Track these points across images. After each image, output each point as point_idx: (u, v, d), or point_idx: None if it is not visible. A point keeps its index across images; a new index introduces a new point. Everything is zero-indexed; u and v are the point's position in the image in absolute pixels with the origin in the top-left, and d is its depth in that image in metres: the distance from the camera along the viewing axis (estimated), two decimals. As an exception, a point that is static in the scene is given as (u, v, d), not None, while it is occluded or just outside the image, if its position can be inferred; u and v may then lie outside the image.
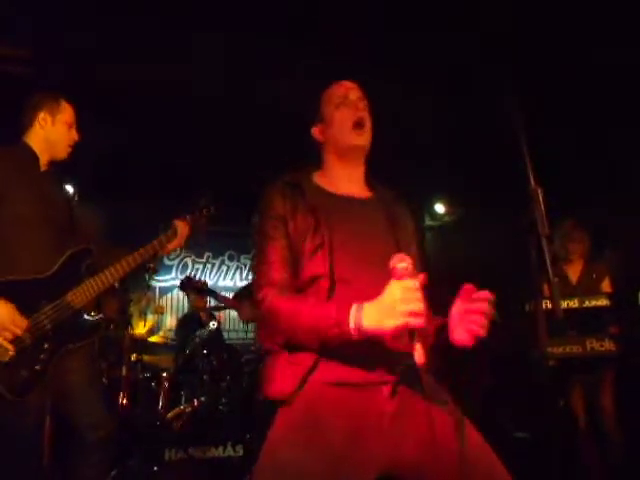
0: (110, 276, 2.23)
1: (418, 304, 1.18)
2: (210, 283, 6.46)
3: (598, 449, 3.23)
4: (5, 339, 1.95)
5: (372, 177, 1.66)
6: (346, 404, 1.31)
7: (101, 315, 2.26)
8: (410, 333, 1.19)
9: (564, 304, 3.11)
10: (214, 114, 4.30)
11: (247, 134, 4.34)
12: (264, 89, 3.95)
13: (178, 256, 6.95)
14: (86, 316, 2.21)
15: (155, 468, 3.05)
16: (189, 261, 7.03)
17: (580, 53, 3.61)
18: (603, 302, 3.09)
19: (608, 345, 2.98)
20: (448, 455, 1.26)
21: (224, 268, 7.11)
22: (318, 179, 1.59)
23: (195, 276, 5.40)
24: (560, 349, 3.00)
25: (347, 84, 1.62)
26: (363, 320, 1.22)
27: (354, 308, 1.24)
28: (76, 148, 2.36)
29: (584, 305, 3.10)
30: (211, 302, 4.91)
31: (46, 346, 2.06)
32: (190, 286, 4.24)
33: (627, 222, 4.19)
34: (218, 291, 4.75)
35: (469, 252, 5.69)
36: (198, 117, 4.39)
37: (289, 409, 1.33)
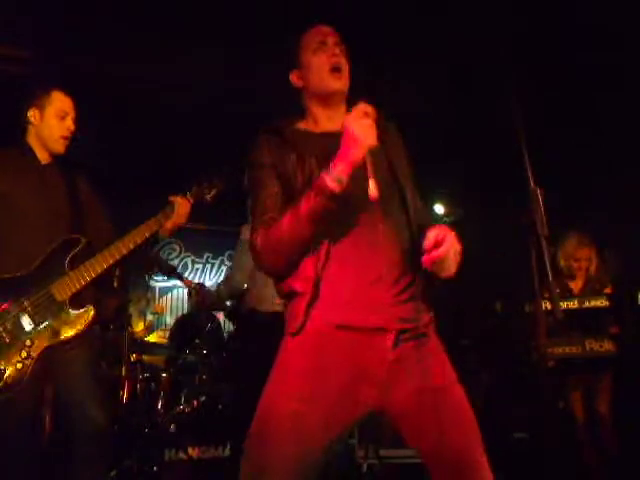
0: (98, 265, 2.12)
1: (369, 123, 1.28)
2: (210, 283, 6.46)
3: (597, 449, 3.23)
4: None
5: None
6: (350, 350, 1.35)
7: (90, 307, 2.12)
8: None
9: (564, 305, 3.11)
10: (214, 114, 4.30)
11: (248, 134, 4.34)
12: (264, 89, 3.96)
13: (178, 256, 6.95)
14: (76, 309, 2.10)
15: (155, 468, 3.05)
16: (189, 261, 7.02)
17: (580, 53, 3.61)
18: (602, 303, 3.09)
19: (607, 346, 2.99)
20: (433, 408, 1.33)
21: (224, 268, 7.10)
22: (300, 125, 1.61)
23: (166, 259, 5.14)
24: (560, 349, 3.00)
25: (324, 29, 1.61)
26: (336, 170, 1.29)
27: (325, 171, 1.31)
28: (75, 148, 2.35)
29: (584, 306, 3.10)
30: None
31: (28, 343, 2.02)
32: (159, 266, 4.02)
33: (627, 223, 4.18)
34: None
35: (469, 253, 5.66)
36: (198, 117, 4.39)
37: (294, 349, 1.37)
